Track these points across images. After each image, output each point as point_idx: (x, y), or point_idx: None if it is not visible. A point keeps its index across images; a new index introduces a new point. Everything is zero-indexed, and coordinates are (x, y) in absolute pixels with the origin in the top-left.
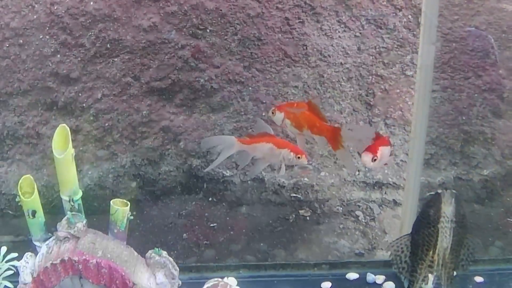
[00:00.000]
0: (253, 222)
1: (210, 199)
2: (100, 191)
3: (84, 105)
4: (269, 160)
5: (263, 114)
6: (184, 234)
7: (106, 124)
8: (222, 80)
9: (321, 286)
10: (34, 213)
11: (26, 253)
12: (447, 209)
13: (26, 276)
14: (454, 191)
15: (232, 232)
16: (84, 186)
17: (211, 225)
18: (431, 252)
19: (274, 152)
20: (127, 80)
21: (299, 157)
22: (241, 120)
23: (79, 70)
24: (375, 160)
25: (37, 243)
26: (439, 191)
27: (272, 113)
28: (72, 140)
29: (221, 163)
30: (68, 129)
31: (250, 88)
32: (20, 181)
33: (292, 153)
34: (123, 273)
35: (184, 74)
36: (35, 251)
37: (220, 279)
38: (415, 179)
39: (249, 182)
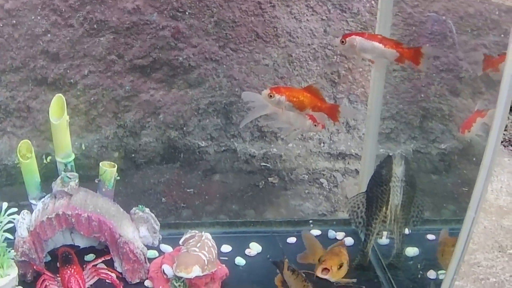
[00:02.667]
0: (226, 188)
1: (186, 167)
2: (86, 160)
3: (71, 81)
4: (292, 124)
5: (237, 89)
6: (163, 198)
7: (92, 99)
8: (199, 58)
9: (287, 241)
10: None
11: (23, 211)
12: (398, 169)
13: (22, 231)
14: (403, 153)
15: (207, 197)
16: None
17: (188, 190)
18: (384, 209)
19: (297, 118)
20: (111, 58)
21: (315, 125)
22: (216, 95)
23: (68, 48)
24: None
25: (33, 201)
26: (390, 153)
27: (270, 96)
28: None
29: (196, 134)
30: (64, 98)
31: (224, 66)
32: (19, 145)
33: (310, 121)
34: (111, 226)
35: (164, 53)
36: (30, 210)
37: (196, 231)
38: (371, 150)
39: (222, 152)
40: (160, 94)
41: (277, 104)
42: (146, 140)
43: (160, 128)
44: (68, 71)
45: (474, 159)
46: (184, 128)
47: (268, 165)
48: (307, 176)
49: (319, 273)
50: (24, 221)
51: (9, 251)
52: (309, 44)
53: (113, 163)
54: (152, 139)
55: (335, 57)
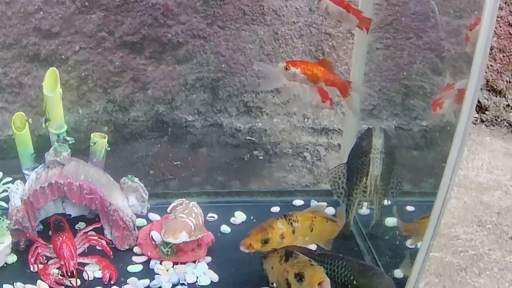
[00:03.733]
0: (212, 161)
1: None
2: (76, 134)
3: (63, 57)
4: (302, 99)
5: (223, 66)
6: (151, 171)
7: (83, 74)
8: (187, 35)
9: (271, 210)
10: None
11: (16, 181)
12: (377, 141)
13: (16, 201)
14: (382, 127)
15: (193, 169)
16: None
17: (175, 163)
18: (364, 179)
19: (306, 93)
20: (102, 35)
21: (323, 101)
22: (203, 71)
23: (60, 25)
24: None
25: (26, 172)
26: (370, 126)
27: (286, 68)
28: None
29: (184, 109)
30: (57, 72)
31: (212, 42)
32: (13, 117)
33: (319, 97)
34: (102, 195)
35: (153, 30)
36: (24, 180)
37: (184, 199)
38: (353, 125)
39: (209, 126)
40: (149, 69)
41: (292, 76)
42: (134, 115)
43: (148, 103)
44: (59, 47)
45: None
46: (172, 103)
47: (253, 139)
48: (291, 150)
49: (242, 248)
50: (18, 191)
51: (3, 220)
52: (294, 22)
53: (103, 134)
54: (141, 113)
55: (320, 35)
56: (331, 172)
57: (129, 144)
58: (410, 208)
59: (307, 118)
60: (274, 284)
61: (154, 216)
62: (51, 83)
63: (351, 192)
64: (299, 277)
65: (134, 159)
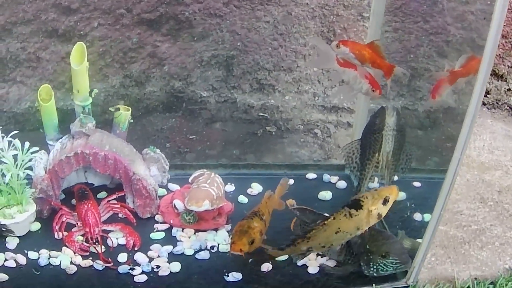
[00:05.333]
0: (226, 135)
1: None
2: (92, 108)
3: (81, 32)
4: (352, 86)
5: (238, 44)
6: (167, 144)
7: (100, 50)
8: (204, 14)
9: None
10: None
11: (40, 151)
12: (390, 119)
13: (40, 170)
14: (395, 106)
15: (208, 143)
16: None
17: (190, 137)
18: (376, 155)
19: (357, 80)
20: (120, 12)
21: (373, 90)
22: (219, 48)
23: (79, 2)
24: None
25: (50, 142)
26: (384, 105)
27: (337, 46)
28: (69, 64)
29: (199, 85)
30: (85, 46)
31: (227, 21)
32: (39, 89)
33: (370, 85)
34: (126, 164)
35: (171, 8)
36: (47, 150)
37: (205, 170)
38: (364, 104)
39: (223, 102)
40: (166, 46)
41: (341, 54)
42: (150, 90)
43: (164, 79)
44: (78, 23)
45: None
46: (187, 79)
47: (265, 115)
48: (302, 127)
49: (233, 253)
50: (42, 161)
51: (28, 189)
52: (307, 4)
53: (127, 107)
54: (157, 88)
55: (332, 17)
56: (345, 148)
57: (144, 118)
58: (417, 184)
59: (318, 97)
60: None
61: (173, 186)
62: (78, 57)
63: (363, 166)
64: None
65: (149, 132)
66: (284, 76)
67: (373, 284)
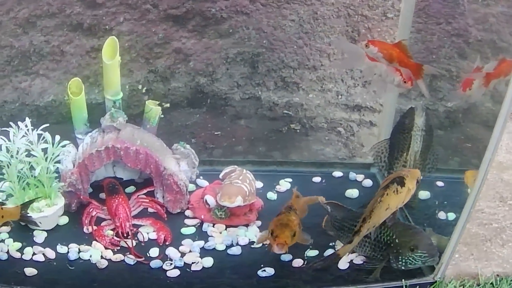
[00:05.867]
0: (251, 132)
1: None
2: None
3: (107, 27)
4: (384, 79)
5: (264, 41)
6: (193, 139)
7: (126, 45)
8: (231, 11)
9: (313, 180)
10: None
11: (68, 144)
12: (419, 120)
13: (68, 164)
14: (424, 106)
15: (234, 139)
16: (103, 98)
17: (215, 133)
18: (405, 154)
19: (388, 73)
20: (146, 7)
21: (405, 82)
22: (244, 46)
23: None
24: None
25: (79, 136)
26: (413, 106)
27: (366, 46)
28: (94, 58)
29: (224, 81)
30: (117, 40)
31: (254, 19)
32: (69, 82)
33: (400, 77)
34: (157, 159)
35: (198, 4)
36: (75, 144)
37: (236, 166)
38: (391, 104)
39: (247, 99)
40: (192, 42)
41: (370, 53)
42: (175, 85)
43: (189, 75)
44: (103, 18)
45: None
46: (213, 75)
47: (290, 112)
48: (325, 125)
49: (276, 250)
50: (70, 154)
51: (56, 182)
52: (333, 3)
53: (158, 102)
54: (181, 84)
55: (356, 16)
56: (374, 147)
57: (169, 113)
58: (440, 183)
59: (341, 95)
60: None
61: (201, 182)
62: (110, 51)
63: (392, 165)
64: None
65: (174, 128)
66: (309, 75)
67: (403, 279)
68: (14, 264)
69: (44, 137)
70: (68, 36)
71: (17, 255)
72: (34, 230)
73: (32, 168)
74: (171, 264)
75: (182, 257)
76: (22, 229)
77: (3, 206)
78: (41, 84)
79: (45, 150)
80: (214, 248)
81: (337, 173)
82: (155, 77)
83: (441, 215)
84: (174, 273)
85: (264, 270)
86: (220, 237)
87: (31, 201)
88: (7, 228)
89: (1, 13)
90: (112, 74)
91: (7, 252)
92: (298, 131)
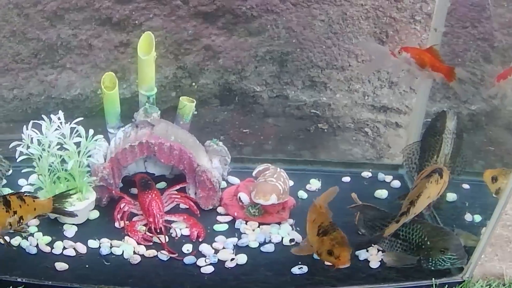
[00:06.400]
0: (280, 130)
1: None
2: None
3: (136, 22)
4: (412, 72)
5: (294, 41)
6: (221, 137)
7: (155, 40)
8: (261, 9)
9: (342, 180)
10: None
11: (99, 138)
12: (450, 123)
13: (99, 158)
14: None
15: (262, 137)
16: (131, 92)
17: (244, 130)
18: (435, 157)
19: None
20: (177, 3)
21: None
22: (274, 44)
23: None
24: None
25: (111, 130)
26: (445, 109)
27: (399, 52)
28: (122, 53)
29: (252, 79)
30: (153, 36)
31: (284, 18)
32: (103, 77)
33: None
34: (191, 156)
35: (228, 2)
36: (106, 138)
37: (269, 164)
38: (422, 106)
39: (275, 97)
40: (221, 39)
41: (403, 59)
42: (203, 82)
43: (218, 72)
44: (133, 13)
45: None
46: (241, 73)
47: (317, 112)
48: (352, 125)
49: (340, 267)
50: (101, 148)
51: (88, 176)
52: (362, 5)
53: (192, 99)
54: (210, 81)
55: (385, 18)
56: (406, 149)
57: (196, 110)
58: (466, 186)
59: (368, 96)
60: None
61: (232, 179)
62: (145, 46)
63: (422, 167)
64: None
65: (202, 124)
66: (336, 75)
67: (433, 278)
68: (44, 259)
69: (77, 131)
70: (96, 30)
71: (47, 249)
72: (64, 224)
73: (63, 161)
74: (207, 260)
75: (216, 254)
76: (52, 223)
77: (35, 199)
78: (67, 77)
79: (76, 144)
80: (247, 245)
81: (366, 173)
82: (183, 73)
83: (467, 217)
84: (208, 269)
85: (302, 268)
86: (253, 234)
87: (63, 194)
88: (36, 222)
89: (28, 6)
90: (147, 69)
91: (37, 246)
92: (325, 130)
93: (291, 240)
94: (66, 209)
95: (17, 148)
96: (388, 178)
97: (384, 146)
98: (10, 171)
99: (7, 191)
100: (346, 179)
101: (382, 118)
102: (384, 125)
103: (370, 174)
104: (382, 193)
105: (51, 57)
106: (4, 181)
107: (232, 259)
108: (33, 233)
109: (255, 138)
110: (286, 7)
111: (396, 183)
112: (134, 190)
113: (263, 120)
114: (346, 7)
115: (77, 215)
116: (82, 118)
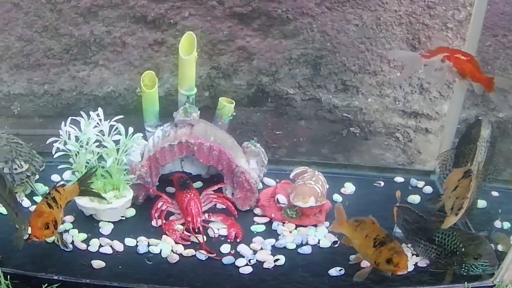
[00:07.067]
0: (311, 133)
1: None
2: (177, 96)
3: (171, 21)
4: (445, 69)
5: (328, 44)
6: (254, 138)
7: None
8: (296, 12)
9: (375, 184)
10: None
11: (139, 136)
12: (485, 131)
13: (136, 156)
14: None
15: (295, 139)
16: (165, 91)
17: (277, 132)
18: (469, 164)
19: (446, 62)
20: (212, 4)
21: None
22: (308, 47)
23: None
24: None
25: (149, 128)
26: (480, 117)
27: (442, 60)
28: (156, 51)
29: (286, 82)
30: (195, 36)
31: (319, 22)
32: (142, 75)
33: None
34: (230, 156)
35: (264, 4)
36: (144, 136)
37: (306, 167)
38: (455, 113)
39: (308, 100)
40: (256, 41)
41: (445, 66)
42: (237, 83)
43: (252, 73)
44: (168, 11)
45: None
46: (275, 75)
47: (349, 116)
48: (384, 130)
49: (401, 273)
50: (138, 147)
51: (125, 174)
52: (396, 11)
53: (231, 100)
54: (243, 82)
55: (418, 25)
56: (441, 155)
57: None
58: (495, 193)
59: (398, 101)
60: None
61: (268, 180)
62: (187, 46)
63: None
64: None
65: (235, 125)
66: (368, 79)
67: (465, 282)
68: (80, 256)
69: (117, 128)
70: (130, 28)
71: (83, 246)
72: (99, 221)
73: (101, 158)
74: (251, 261)
75: (255, 254)
76: (87, 220)
77: (64, 188)
78: (100, 74)
79: (114, 141)
80: (285, 246)
81: (399, 179)
82: (217, 74)
83: (497, 223)
84: (247, 269)
85: (342, 270)
86: (290, 236)
87: (86, 175)
88: (71, 218)
89: (62, 1)
90: (188, 69)
91: (72, 243)
92: (357, 134)
93: (334, 242)
94: (92, 189)
95: (53, 144)
96: (420, 184)
97: (414, 152)
98: (43, 167)
99: (39, 186)
100: (379, 183)
101: (413, 124)
102: (414, 131)
103: (402, 180)
104: (414, 198)
105: (84, 53)
106: (37, 176)
107: (277, 260)
108: (68, 230)
109: (288, 140)
110: (321, 10)
111: (428, 189)
112: (170, 189)
113: (296, 122)
114: (380, 12)
115: (105, 198)
116: (122, 116)
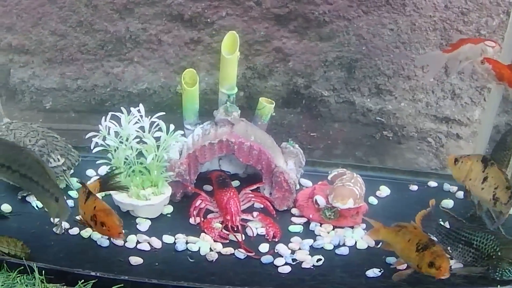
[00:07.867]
0: (345, 135)
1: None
2: (213, 95)
3: (208, 20)
4: (472, 57)
5: (363, 48)
6: (289, 139)
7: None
8: (333, 15)
9: (409, 188)
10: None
11: (179, 133)
12: None
13: (174, 153)
14: None
15: (329, 141)
16: (200, 90)
17: (311, 134)
18: (503, 170)
19: (473, 48)
20: (250, 4)
21: (493, 46)
22: (343, 50)
23: None
24: None
25: (188, 126)
26: None
27: (482, 62)
28: (192, 50)
29: (320, 84)
30: (237, 35)
31: (355, 25)
32: (183, 73)
33: (488, 47)
34: (269, 156)
35: (301, 6)
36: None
37: (344, 169)
38: (490, 119)
39: (341, 103)
40: (292, 43)
41: (484, 69)
42: (272, 84)
43: (287, 74)
44: (206, 11)
45: None
46: (310, 77)
47: (382, 119)
48: (416, 134)
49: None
50: (177, 144)
51: (164, 171)
52: (430, 16)
53: (271, 100)
54: (278, 83)
55: (451, 31)
56: None
57: None
58: None
59: (431, 106)
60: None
61: (304, 181)
62: (229, 45)
63: None
64: None
65: (269, 126)
66: (402, 83)
67: (498, 286)
68: (117, 252)
69: (158, 125)
70: (166, 26)
71: (120, 242)
72: (136, 217)
73: (140, 154)
74: (294, 260)
75: (293, 254)
76: (124, 216)
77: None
78: (134, 71)
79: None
80: (323, 247)
81: (432, 183)
82: (252, 74)
83: None
84: (285, 269)
85: (381, 271)
86: (328, 236)
87: (109, 177)
88: None
89: None
90: (230, 68)
91: (109, 239)
92: (390, 138)
93: (377, 243)
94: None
95: (92, 139)
96: (453, 189)
97: (446, 157)
98: (79, 161)
99: (74, 180)
100: (414, 187)
101: (444, 129)
102: (446, 136)
103: (436, 184)
104: (448, 203)
105: (118, 49)
106: (72, 171)
107: (319, 259)
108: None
109: (323, 142)
110: (358, 14)
111: (461, 194)
112: (208, 187)
113: (330, 124)
114: (415, 17)
115: (128, 188)
116: (163, 113)
